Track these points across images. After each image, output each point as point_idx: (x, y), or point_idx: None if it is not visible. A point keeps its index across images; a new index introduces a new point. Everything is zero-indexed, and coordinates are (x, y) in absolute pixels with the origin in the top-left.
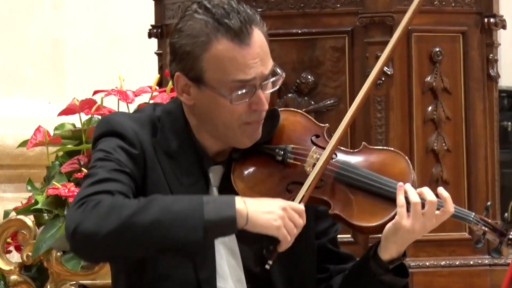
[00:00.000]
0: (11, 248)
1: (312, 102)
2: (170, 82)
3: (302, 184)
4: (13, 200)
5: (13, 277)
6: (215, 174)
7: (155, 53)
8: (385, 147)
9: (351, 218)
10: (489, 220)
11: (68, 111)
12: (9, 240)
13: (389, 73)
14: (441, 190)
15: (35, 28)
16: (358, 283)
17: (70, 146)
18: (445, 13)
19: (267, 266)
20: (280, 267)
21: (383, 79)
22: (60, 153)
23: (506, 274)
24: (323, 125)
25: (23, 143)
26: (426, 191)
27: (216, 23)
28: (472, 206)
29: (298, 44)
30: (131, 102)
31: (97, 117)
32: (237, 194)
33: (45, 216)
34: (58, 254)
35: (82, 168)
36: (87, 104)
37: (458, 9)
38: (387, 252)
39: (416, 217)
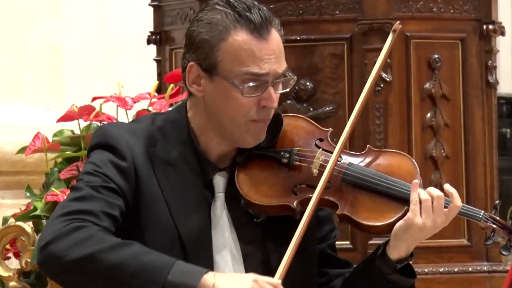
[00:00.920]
0: (10, 254)
1: (311, 109)
2: (169, 88)
3: (308, 186)
4: (12, 206)
5: (12, 284)
6: (219, 181)
7: (154, 59)
8: (390, 150)
9: (359, 217)
10: (498, 218)
11: (67, 117)
12: (8, 246)
13: (388, 79)
14: (447, 186)
15: (34, 35)
16: (364, 283)
17: (69, 153)
18: (444, 20)
19: None
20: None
21: (381, 85)
22: (59, 160)
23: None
24: (326, 129)
25: (22, 150)
26: (432, 188)
27: (237, 15)
28: None
29: (297, 51)
30: (130, 109)
31: (96, 123)
32: (242, 198)
33: (44, 222)
34: None
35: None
36: (86, 111)
37: (456, 16)
38: (396, 251)
39: (427, 213)
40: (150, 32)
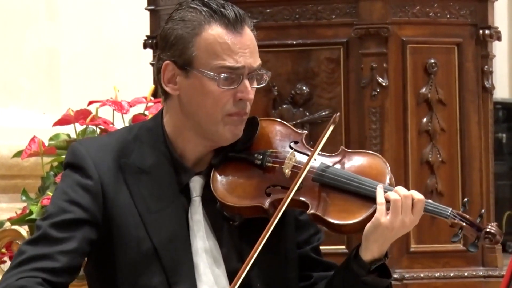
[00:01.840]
0: (6, 258)
1: (307, 113)
2: None
3: (280, 186)
4: (8, 210)
5: None
6: (195, 185)
7: (150, 63)
8: (363, 150)
9: (329, 216)
10: (467, 216)
11: (63, 121)
12: (3, 250)
13: (384, 84)
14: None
15: (30, 39)
16: (341, 285)
17: (64, 157)
18: (440, 25)
19: None
20: (261, 274)
21: (378, 90)
22: (55, 164)
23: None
24: (301, 131)
25: (18, 153)
26: (400, 188)
27: (211, 11)
28: None
29: (293, 55)
30: (126, 113)
31: (92, 127)
32: (217, 201)
33: None
34: None
35: None
36: (82, 115)
37: (453, 21)
38: (368, 252)
39: (395, 213)
40: (147, 36)
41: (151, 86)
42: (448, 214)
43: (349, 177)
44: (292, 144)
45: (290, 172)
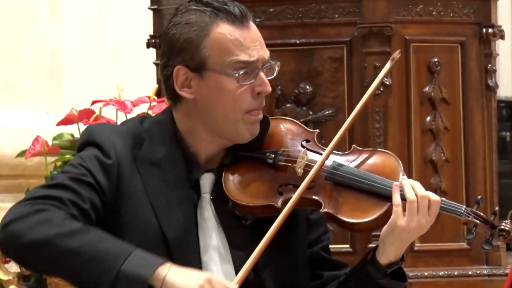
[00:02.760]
0: None
1: (311, 112)
2: None
3: (292, 185)
4: None
5: (12, 287)
6: (206, 182)
7: (154, 63)
8: (375, 149)
9: (342, 215)
10: (481, 213)
11: (66, 121)
12: None
13: (387, 83)
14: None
15: (33, 39)
16: (356, 287)
17: (68, 156)
18: (444, 24)
19: None
20: (274, 275)
21: (381, 89)
22: (59, 163)
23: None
24: (313, 130)
25: (22, 153)
26: (417, 186)
27: (215, 10)
28: None
29: (296, 54)
30: (129, 112)
31: None
32: (229, 200)
33: None
34: None
35: None
36: (85, 114)
37: (456, 20)
38: (385, 256)
39: (412, 214)
40: (150, 35)
41: (154, 86)
42: (462, 211)
43: (362, 176)
44: (304, 143)
45: (302, 171)
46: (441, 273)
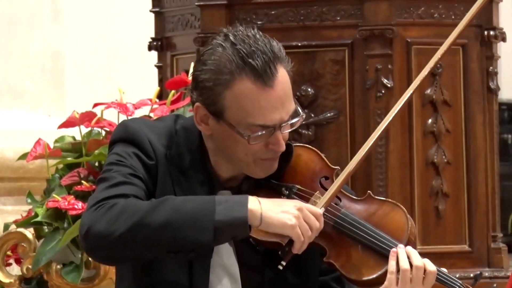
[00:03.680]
0: (11, 260)
1: (312, 115)
2: (170, 95)
3: None
4: (13, 212)
5: None
6: None
7: (155, 65)
8: (388, 199)
9: (343, 269)
10: None
11: (68, 123)
12: (9, 252)
13: (389, 85)
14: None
15: (35, 41)
16: None
17: (70, 159)
18: (445, 26)
19: (279, 267)
20: None
21: (383, 91)
22: (60, 166)
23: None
24: (334, 167)
25: (23, 156)
26: (414, 255)
27: (241, 61)
28: (472, 218)
29: (298, 57)
30: (131, 115)
31: (97, 129)
32: None
33: (45, 228)
34: (58, 266)
35: (82, 181)
36: (87, 117)
37: (458, 22)
38: None
39: (404, 283)
40: (151, 38)
41: (156, 88)
42: (457, 286)
43: (368, 231)
44: (322, 180)
45: None
46: None
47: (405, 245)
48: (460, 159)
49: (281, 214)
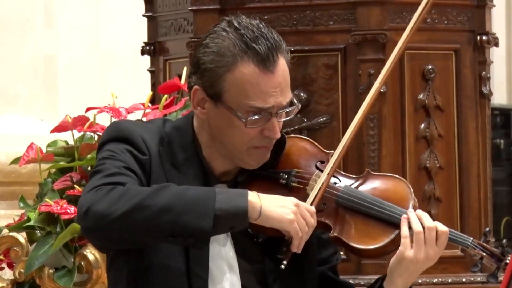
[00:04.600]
0: (4, 265)
1: (305, 120)
2: (163, 99)
3: None
4: (6, 217)
5: None
6: None
7: (148, 70)
8: (388, 174)
9: (350, 240)
10: (487, 246)
11: (61, 128)
12: (1, 257)
13: (382, 90)
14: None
15: (27, 46)
16: None
17: (62, 163)
18: (438, 31)
19: (282, 266)
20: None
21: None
22: (53, 170)
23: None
24: (328, 151)
25: (16, 160)
26: (425, 217)
27: (244, 46)
28: (464, 223)
29: (290, 62)
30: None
31: (90, 134)
32: None
33: (38, 233)
34: (51, 271)
35: (75, 185)
36: (79, 121)
37: (450, 27)
38: (393, 287)
39: (419, 245)
40: (144, 43)
41: (149, 93)
42: (469, 243)
43: (372, 201)
44: (318, 164)
45: None
46: (435, 280)
47: None
48: (452, 164)
49: (280, 208)
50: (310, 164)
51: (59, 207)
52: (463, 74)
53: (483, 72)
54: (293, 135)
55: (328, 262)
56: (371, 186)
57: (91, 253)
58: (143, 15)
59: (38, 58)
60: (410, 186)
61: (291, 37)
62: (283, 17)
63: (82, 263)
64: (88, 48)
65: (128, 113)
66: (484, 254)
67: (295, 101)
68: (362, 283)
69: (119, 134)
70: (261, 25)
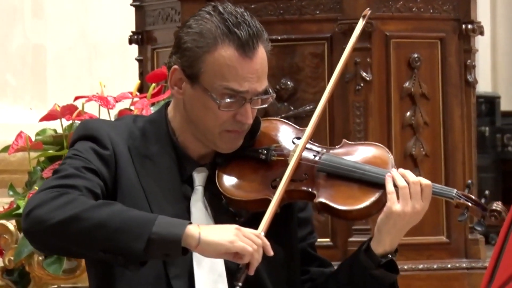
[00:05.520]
0: None
1: (292, 108)
2: (151, 88)
3: None
4: None
5: None
6: (199, 175)
7: (136, 59)
8: (365, 141)
9: (335, 203)
10: (471, 196)
11: (49, 116)
12: None
13: (367, 79)
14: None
15: (16, 35)
16: (348, 279)
17: (51, 152)
18: (423, 20)
19: None
20: (270, 265)
21: (361, 84)
22: (42, 159)
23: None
24: (303, 128)
25: (5, 149)
26: (408, 174)
27: (226, 29)
28: (449, 209)
29: (277, 50)
30: (112, 108)
31: (78, 122)
32: (223, 197)
33: None
34: (40, 258)
35: None
36: (68, 110)
37: (436, 16)
38: (381, 245)
39: (405, 199)
40: (132, 32)
41: (137, 82)
42: (454, 195)
43: (354, 165)
44: (295, 140)
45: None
46: (421, 266)
47: None
48: (438, 152)
49: (219, 233)
50: (288, 140)
51: None
52: (449, 62)
53: (468, 61)
54: (267, 118)
55: (307, 239)
56: (351, 153)
57: None
58: (131, 5)
59: (26, 47)
60: (388, 150)
61: (278, 26)
62: (270, 6)
63: None
64: (76, 37)
65: (116, 101)
66: (469, 204)
67: (271, 90)
68: None
69: (85, 133)
70: (245, 13)
